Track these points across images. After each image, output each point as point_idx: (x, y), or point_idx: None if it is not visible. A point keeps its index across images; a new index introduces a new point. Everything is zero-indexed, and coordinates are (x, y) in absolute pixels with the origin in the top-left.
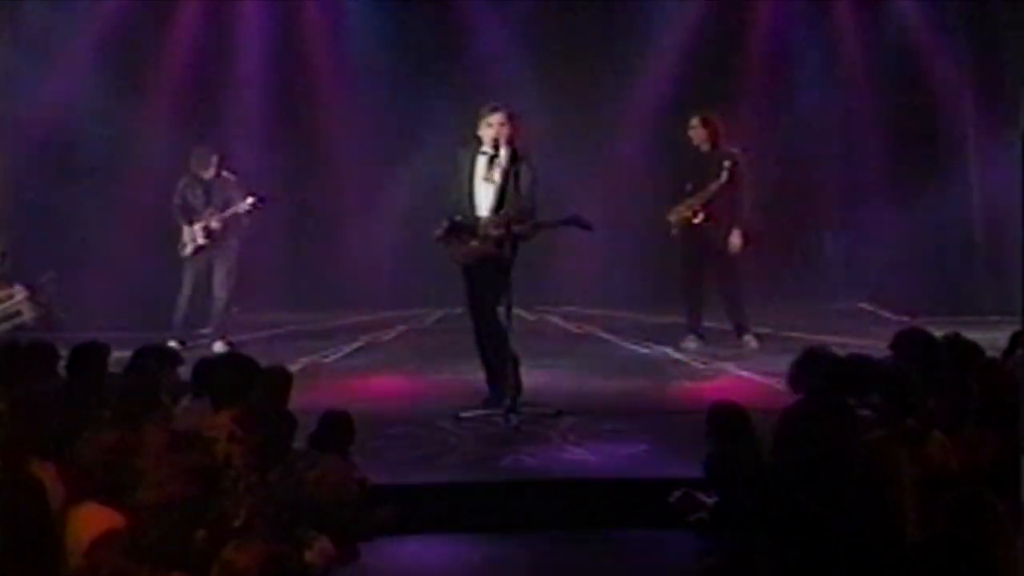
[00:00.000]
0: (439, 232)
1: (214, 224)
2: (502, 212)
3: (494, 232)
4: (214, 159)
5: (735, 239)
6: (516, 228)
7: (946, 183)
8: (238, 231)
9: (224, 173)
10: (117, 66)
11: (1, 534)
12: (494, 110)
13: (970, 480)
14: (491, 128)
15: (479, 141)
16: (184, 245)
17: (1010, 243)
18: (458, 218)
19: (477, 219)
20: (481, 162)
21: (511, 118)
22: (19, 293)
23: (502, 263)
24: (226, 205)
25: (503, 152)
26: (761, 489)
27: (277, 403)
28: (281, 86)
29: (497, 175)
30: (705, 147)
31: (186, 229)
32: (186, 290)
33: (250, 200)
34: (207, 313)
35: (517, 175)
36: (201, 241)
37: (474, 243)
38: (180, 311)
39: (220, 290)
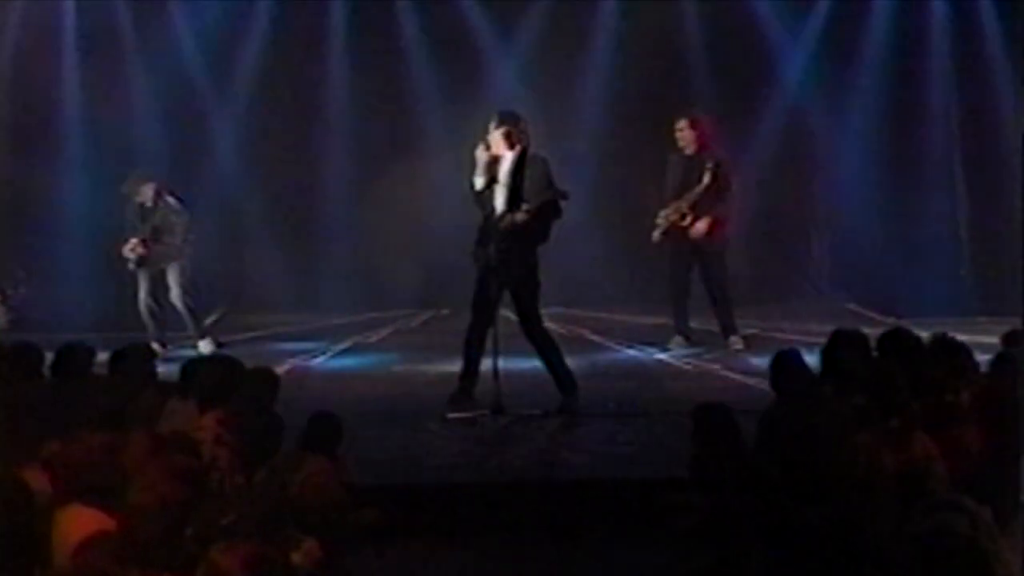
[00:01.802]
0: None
1: (140, 250)
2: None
3: (515, 221)
4: (149, 187)
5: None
6: (517, 217)
7: (932, 184)
8: (187, 244)
9: (168, 199)
10: (98, 63)
11: None
12: (498, 118)
13: (954, 482)
14: (495, 134)
15: (487, 147)
16: (127, 258)
17: (995, 244)
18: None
19: (495, 219)
20: (492, 169)
21: (513, 121)
22: None
23: (523, 259)
24: (159, 231)
25: (510, 155)
26: (747, 490)
27: (263, 404)
28: (270, 87)
29: (505, 177)
30: (691, 149)
31: (126, 244)
32: (143, 296)
33: (152, 247)
34: (177, 315)
35: (523, 173)
36: (132, 264)
37: (489, 245)
38: (145, 318)
39: (177, 292)
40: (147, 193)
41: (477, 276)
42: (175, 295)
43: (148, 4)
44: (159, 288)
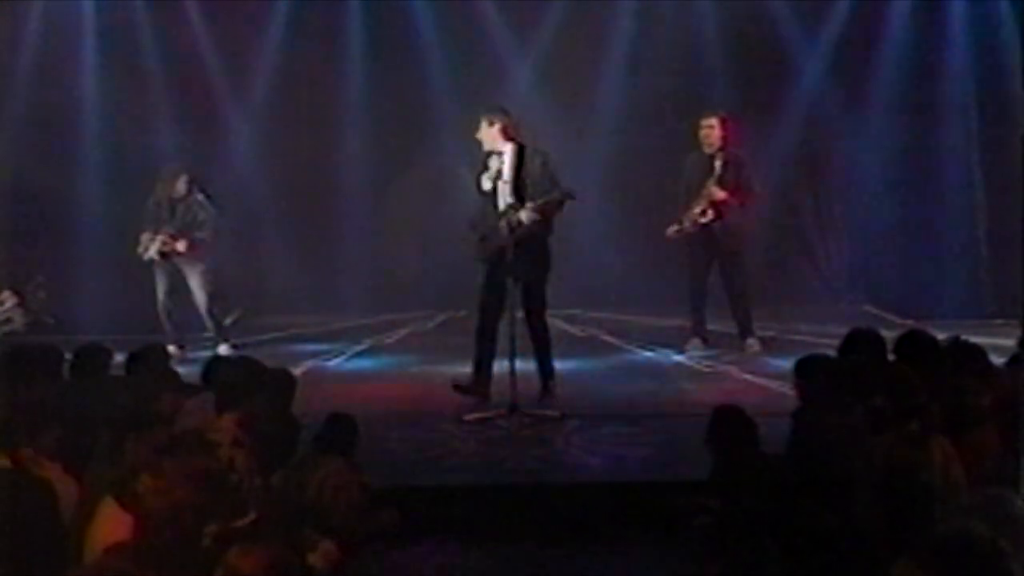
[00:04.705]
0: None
1: (163, 247)
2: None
3: (520, 220)
4: (183, 180)
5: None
6: (523, 216)
7: (950, 185)
8: (199, 250)
9: (198, 194)
10: (117, 67)
11: (10, 535)
12: (485, 113)
13: (973, 485)
14: (487, 130)
15: (480, 145)
16: (145, 249)
17: (1014, 245)
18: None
19: (500, 213)
20: (493, 165)
21: (503, 116)
22: (9, 300)
23: (533, 252)
24: (187, 226)
25: (508, 149)
26: (766, 493)
27: (281, 406)
28: (286, 89)
29: (507, 171)
30: (712, 148)
31: (145, 235)
32: (160, 295)
33: (182, 244)
34: (197, 315)
35: (524, 164)
36: (154, 255)
37: (496, 237)
38: (163, 317)
39: (198, 294)
40: (179, 187)
41: (484, 272)
42: (200, 302)
43: (166, 3)
44: (177, 288)
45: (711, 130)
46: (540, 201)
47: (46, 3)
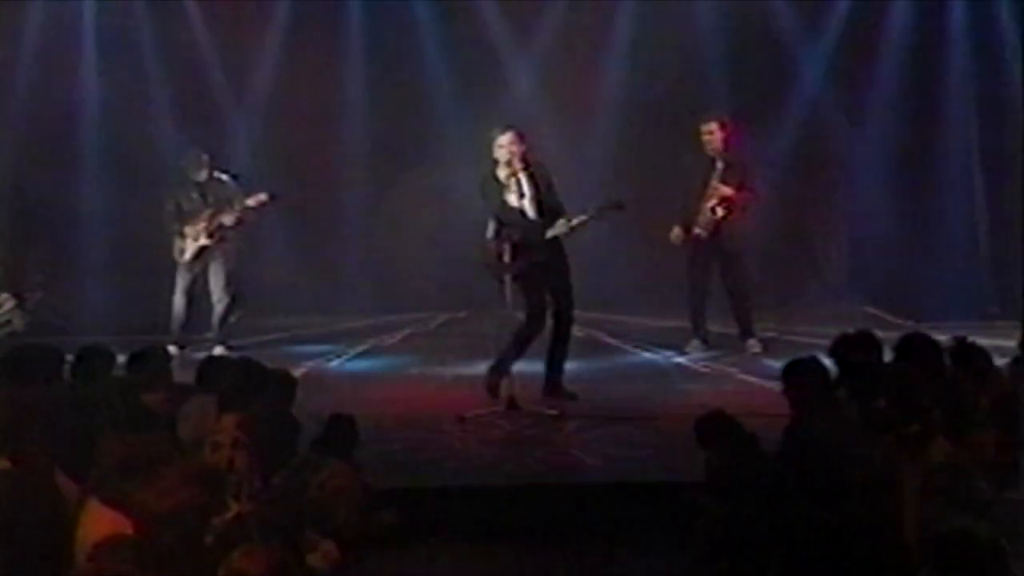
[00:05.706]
0: (507, 263)
1: (226, 220)
2: (548, 215)
3: (563, 228)
4: (205, 159)
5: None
6: (573, 223)
7: (951, 185)
8: (237, 235)
9: (215, 173)
10: (117, 66)
11: (11, 537)
12: (503, 132)
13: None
14: (503, 149)
15: (495, 163)
16: (183, 250)
17: (1015, 246)
18: (502, 230)
19: (533, 226)
20: (511, 183)
21: (520, 137)
22: (8, 302)
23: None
24: (223, 207)
25: (519, 165)
26: (765, 495)
27: (281, 407)
28: (287, 89)
29: (527, 187)
30: (716, 152)
31: (188, 230)
32: (180, 297)
33: (263, 196)
34: (206, 317)
35: (539, 180)
36: (204, 241)
37: (534, 250)
38: (177, 319)
39: (220, 295)
40: (202, 172)
41: (525, 283)
42: (219, 296)
43: (166, 4)
44: (197, 288)
45: (711, 135)
46: (591, 211)
47: (46, 2)
